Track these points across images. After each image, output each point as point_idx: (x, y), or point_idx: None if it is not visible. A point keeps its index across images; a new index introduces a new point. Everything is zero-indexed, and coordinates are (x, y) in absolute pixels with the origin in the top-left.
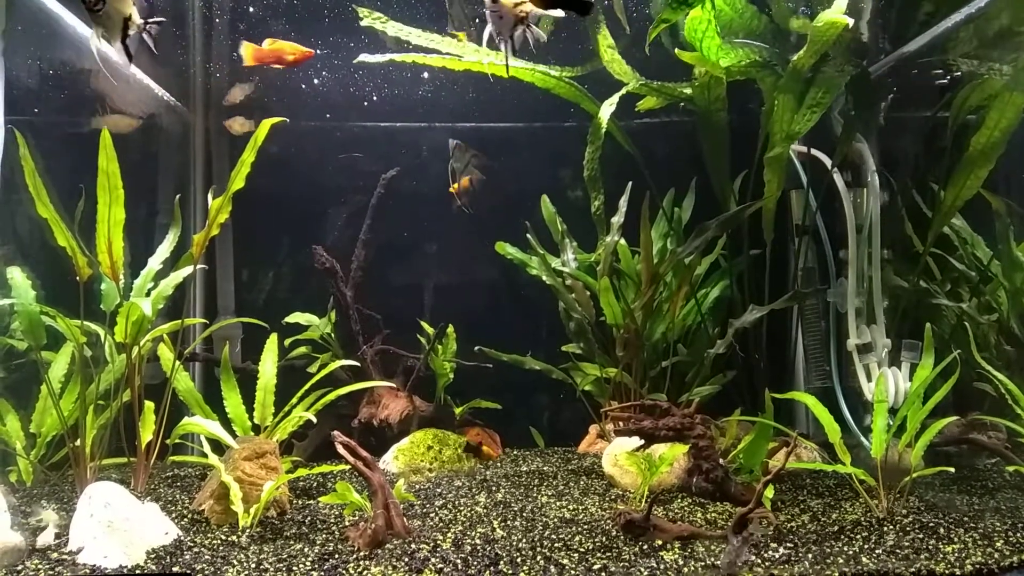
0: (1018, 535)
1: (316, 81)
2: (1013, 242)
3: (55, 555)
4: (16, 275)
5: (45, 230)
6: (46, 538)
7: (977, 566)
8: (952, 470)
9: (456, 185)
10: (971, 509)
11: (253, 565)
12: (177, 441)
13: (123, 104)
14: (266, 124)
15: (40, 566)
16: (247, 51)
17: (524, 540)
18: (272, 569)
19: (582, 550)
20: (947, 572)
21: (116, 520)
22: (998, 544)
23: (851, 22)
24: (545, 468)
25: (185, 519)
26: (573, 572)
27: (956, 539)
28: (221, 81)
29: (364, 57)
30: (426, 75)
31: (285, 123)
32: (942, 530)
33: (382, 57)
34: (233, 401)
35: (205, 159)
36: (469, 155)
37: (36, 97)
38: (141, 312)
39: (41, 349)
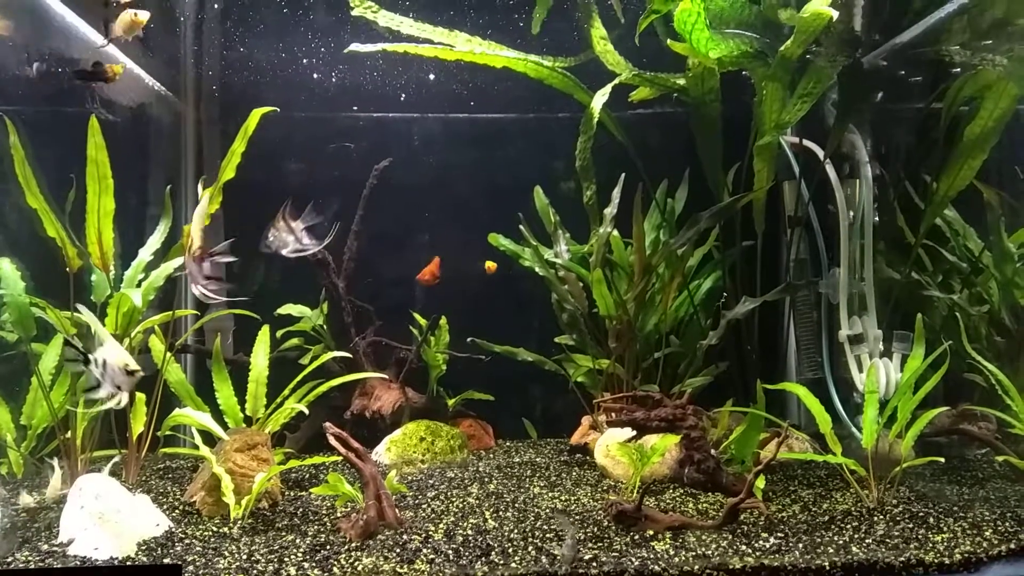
0: (1007, 524)
1: (309, 71)
2: (1004, 233)
3: (45, 546)
4: (5, 266)
5: (35, 220)
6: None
7: (966, 555)
8: (942, 460)
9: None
10: (961, 499)
11: (244, 556)
12: (168, 433)
13: (113, 94)
14: (256, 113)
15: (30, 558)
16: (434, 265)
17: (516, 531)
18: (263, 560)
19: None
20: (936, 561)
21: (107, 512)
22: (987, 533)
23: (835, 14)
24: (538, 459)
25: (176, 511)
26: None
27: (946, 528)
28: (213, 72)
29: (355, 47)
30: (431, 76)
31: (276, 113)
32: (932, 520)
33: (373, 47)
34: (225, 393)
35: (196, 149)
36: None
37: (25, 86)
38: (132, 303)
39: (31, 341)
